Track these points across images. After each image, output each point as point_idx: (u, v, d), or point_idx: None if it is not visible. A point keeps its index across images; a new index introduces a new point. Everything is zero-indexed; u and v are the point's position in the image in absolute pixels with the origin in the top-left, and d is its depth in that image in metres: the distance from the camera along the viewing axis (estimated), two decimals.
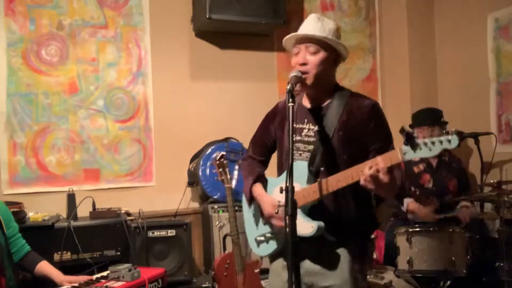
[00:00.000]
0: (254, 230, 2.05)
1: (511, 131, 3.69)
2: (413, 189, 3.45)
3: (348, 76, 4.30)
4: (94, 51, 3.51)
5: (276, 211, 1.83)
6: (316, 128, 1.85)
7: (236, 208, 2.92)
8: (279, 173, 2.02)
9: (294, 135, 1.84)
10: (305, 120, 1.89)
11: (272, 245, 1.97)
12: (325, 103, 1.88)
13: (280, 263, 1.96)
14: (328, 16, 4.29)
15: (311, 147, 1.84)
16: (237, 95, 3.90)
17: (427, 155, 1.53)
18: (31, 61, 3.35)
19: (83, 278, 2.38)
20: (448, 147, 1.49)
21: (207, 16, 3.45)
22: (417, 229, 2.90)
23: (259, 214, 2.02)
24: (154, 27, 3.67)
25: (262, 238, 1.99)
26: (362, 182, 1.60)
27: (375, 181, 1.57)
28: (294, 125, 1.86)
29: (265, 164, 2.14)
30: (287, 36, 1.88)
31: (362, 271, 1.90)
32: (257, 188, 2.00)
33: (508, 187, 3.05)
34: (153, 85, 3.66)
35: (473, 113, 3.91)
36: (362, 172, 1.60)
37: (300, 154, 1.87)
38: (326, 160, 1.80)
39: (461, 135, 1.49)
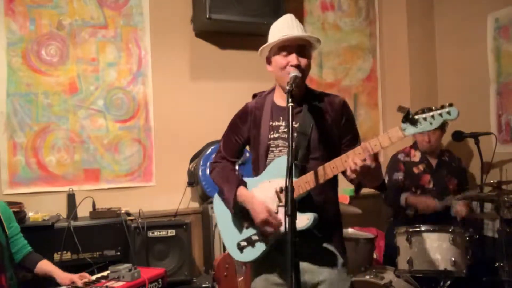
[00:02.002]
0: (235, 236, 1.96)
1: (511, 131, 3.69)
2: (413, 190, 3.45)
3: (348, 76, 4.30)
4: (94, 51, 3.51)
5: (276, 211, 1.82)
6: (293, 124, 1.88)
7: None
8: (256, 172, 2.00)
9: (272, 133, 1.93)
10: (281, 117, 1.94)
11: (260, 248, 1.89)
12: (298, 101, 1.93)
13: (267, 280, 1.92)
14: (328, 16, 4.30)
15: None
16: (237, 95, 3.87)
17: (428, 128, 1.57)
18: (31, 61, 3.35)
19: (82, 276, 2.38)
20: (448, 119, 1.52)
21: (207, 16, 3.45)
22: (417, 229, 2.89)
23: (242, 217, 1.95)
24: (154, 27, 3.67)
25: (245, 243, 1.92)
26: (350, 169, 1.66)
27: (364, 169, 1.63)
28: (270, 123, 1.95)
29: (236, 164, 2.13)
30: (285, 39, 1.87)
31: (346, 265, 1.94)
32: (244, 192, 1.94)
33: (508, 187, 3.05)
34: (153, 85, 3.66)
35: (473, 113, 3.90)
36: (346, 162, 1.67)
37: (281, 150, 1.91)
38: (308, 154, 1.87)
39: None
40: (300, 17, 4.06)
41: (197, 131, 3.73)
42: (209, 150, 3.52)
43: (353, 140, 1.95)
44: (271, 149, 1.93)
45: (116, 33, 3.57)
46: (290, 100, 1.68)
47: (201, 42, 3.83)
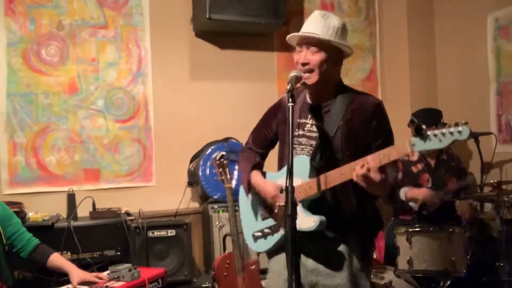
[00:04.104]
0: (252, 225, 2.02)
1: (511, 131, 3.69)
2: None
3: (348, 76, 4.30)
4: (94, 51, 3.51)
5: (276, 209, 1.82)
6: (318, 123, 1.87)
7: (236, 208, 2.91)
8: (280, 167, 2.01)
9: (297, 130, 1.90)
10: (309, 115, 1.90)
11: (271, 241, 1.93)
12: (329, 101, 1.89)
13: (281, 263, 1.91)
14: None
15: (313, 142, 1.86)
16: (237, 95, 3.90)
17: (437, 146, 1.51)
18: (31, 61, 3.35)
19: (96, 275, 2.38)
20: (459, 139, 1.46)
21: (207, 16, 3.44)
22: (417, 229, 2.90)
23: (257, 206, 2.01)
24: (154, 27, 3.67)
25: (260, 233, 1.94)
26: (354, 178, 1.63)
27: (367, 180, 1.60)
28: (298, 120, 1.91)
29: (263, 156, 2.12)
30: (290, 36, 1.88)
31: (364, 269, 1.88)
32: (256, 176, 1.98)
33: (508, 187, 3.05)
34: (153, 85, 3.66)
35: (473, 113, 3.91)
36: (353, 170, 1.63)
37: (302, 149, 1.88)
38: (328, 155, 1.82)
39: (471, 131, 1.46)
40: (300, 17, 4.06)
41: (197, 131, 3.73)
42: (209, 150, 3.52)
43: (384, 145, 1.74)
44: (294, 146, 1.88)
45: (116, 33, 3.57)
46: (290, 100, 1.66)
47: (201, 42, 3.83)
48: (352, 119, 1.83)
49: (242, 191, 2.12)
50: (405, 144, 1.56)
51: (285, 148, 1.93)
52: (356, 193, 1.83)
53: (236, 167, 3.33)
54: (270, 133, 2.07)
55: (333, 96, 1.89)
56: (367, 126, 1.83)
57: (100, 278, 2.35)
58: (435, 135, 1.49)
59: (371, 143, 1.82)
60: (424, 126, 1.52)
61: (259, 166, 2.04)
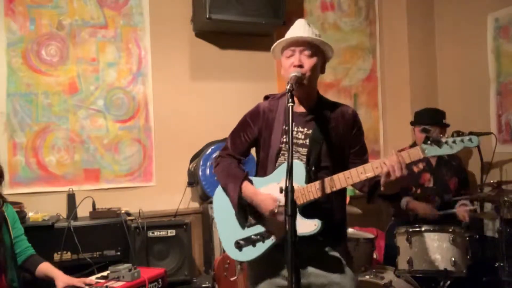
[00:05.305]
0: (234, 233, 1.94)
1: (511, 131, 3.69)
2: (413, 189, 3.45)
3: (348, 76, 4.30)
4: (94, 51, 3.51)
5: (275, 210, 1.81)
6: (305, 130, 1.92)
7: None
8: (262, 173, 1.98)
9: (283, 137, 1.93)
10: (293, 122, 1.90)
11: (260, 247, 1.88)
12: (311, 108, 1.96)
13: (271, 284, 1.91)
14: (328, 16, 4.30)
15: (300, 148, 1.90)
16: (237, 95, 3.90)
17: (448, 152, 1.68)
18: (31, 61, 3.35)
19: (83, 280, 2.37)
20: (470, 146, 1.64)
21: (207, 16, 3.45)
22: (417, 229, 2.89)
23: (244, 215, 1.94)
24: (154, 27, 3.67)
25: (245, 241, 1.89)
26: (385, 174, 1.69)
27: (398, 174, 1.68)
28: (284, 127, 1.94)
29: (242, 163, 2.10)
30: (287, 39, 1.90)
31: (349, 263, 1.95)
32: (249, 187, 1.91)
33: (508, 187, 3.05)
34: (153, 85, 3.66)
35: (473, 113, 3.91)
36: (385, 165, 1.69)
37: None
38: (321, 161, 1.88)
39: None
40: (300, 17, 4.05)
41: (197, 131, 3.73)
42: (209, 150, 3.52)
43: (361, 150, 1.98)
44: (282, 152, 1.93)
45: (116, 33, 3.57)
46: (290, 100, 1.67)
47: (201, 42, 3.83)
48: (337, 127, 1.93)
49: (218, 199, 2.04)
50: (418, 150, 1.70)
51: (269, 154, 1.95)
52: (343, 198, 1.97)
53: None
54: (250, 138, 2.05)
55: (315, 104, 1.96)
56: (349, 133, 1.96)
57: (90, 285, 2.32)
58: (446, 142, 1.67)
59: (351, 149, 1.96)
60: (441, 137, 1.68)
61: (247, 178, 1.95)
